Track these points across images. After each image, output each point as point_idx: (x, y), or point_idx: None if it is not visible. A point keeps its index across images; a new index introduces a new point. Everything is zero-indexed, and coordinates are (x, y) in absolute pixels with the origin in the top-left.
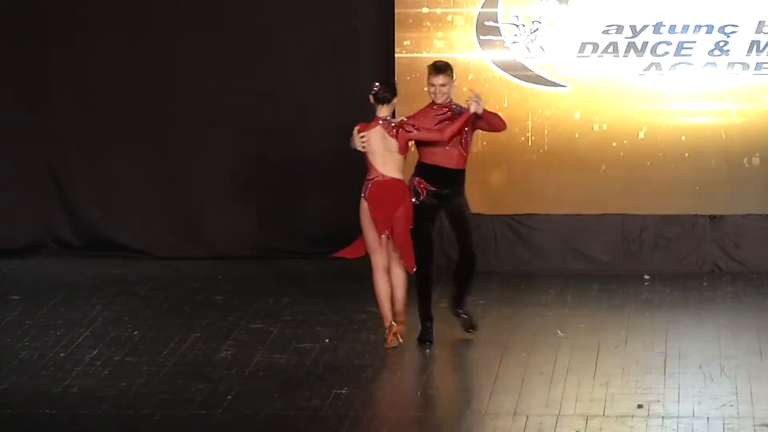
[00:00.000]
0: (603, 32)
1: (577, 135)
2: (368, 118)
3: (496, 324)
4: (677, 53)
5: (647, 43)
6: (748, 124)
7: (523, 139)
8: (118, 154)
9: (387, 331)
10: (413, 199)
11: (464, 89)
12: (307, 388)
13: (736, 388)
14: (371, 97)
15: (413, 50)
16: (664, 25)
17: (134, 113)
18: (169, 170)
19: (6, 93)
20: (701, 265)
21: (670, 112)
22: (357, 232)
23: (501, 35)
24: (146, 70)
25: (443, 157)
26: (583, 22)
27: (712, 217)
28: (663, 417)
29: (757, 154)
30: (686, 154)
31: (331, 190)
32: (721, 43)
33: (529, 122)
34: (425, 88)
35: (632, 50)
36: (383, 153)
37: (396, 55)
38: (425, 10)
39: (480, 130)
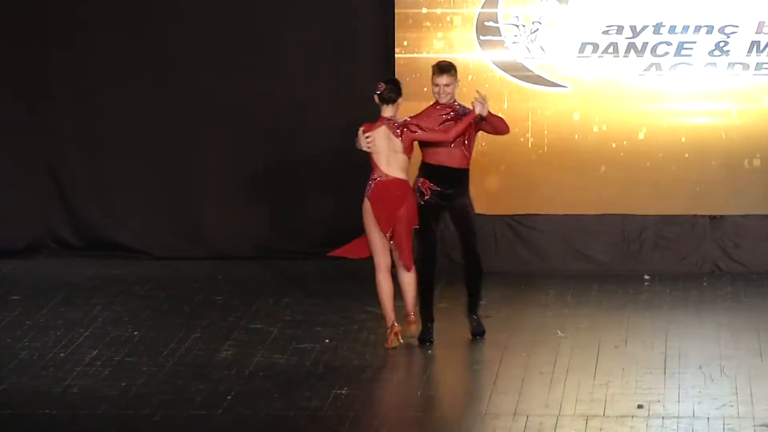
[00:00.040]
0: (603, 32)
1: (576, 136)
2: (368, 119)
3: (496, 324)
4: (677, 53)
5: (647, 43)
6: (748, 125)
7: (522, 139)
8: (118, 154)
9: (389, 330)
10: (419, 200)
11: (464, 89)
12: (307, 388)
13: (736, 389)
14: (376, 97)
15: (413, 50)
16: (664, 26)
17: (134, 113)
18: (169, 170)
19: (6, 93)
20: (701, 266)
21: (670, 112)
22: (357, 232)
23: (501, 35)
24: (146, 70)
25: (447, 157)
26: (583, 22)
27: (712, 218)
28: (663, 417)
29: (757, 155)
30: (686, 155)
31: (331, 190)
32: (721, 44)
33: (529, 123)
34: (424, 89)
35: (632, 50)
36: (388, 153)
37: (396, 55)
38: (425, 10)
39: (482, 131)
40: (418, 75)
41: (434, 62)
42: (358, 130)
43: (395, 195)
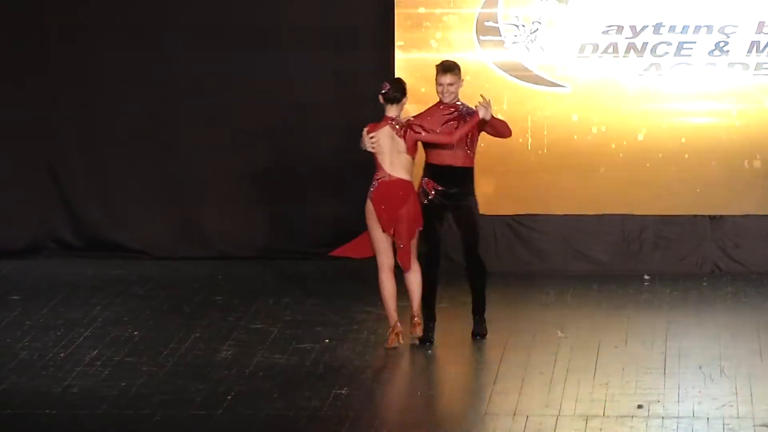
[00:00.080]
0: (603, 32)
1: (576, 136)
2: (368, 118)
3: (496, 324)
4: (677, 54)
5: (647, 43)
6: (748, 125)
7: (522, 139)
8: (118, 154)
9: (390, 330)
10: (423, 200)
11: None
12: (307, 388)
13: (736, 389)
14: (380, 97)
15: (413, 50)
16: (664, 26)
17: (134, 113)
18: (169, 170)
19: (6, 93)
20: (701, 266)
21: (670, 112)
22: (357, 232)
23: (501, 35)
24: (146, 71)
25: (450, 157)
26: (582, 22)
27: (712, 218)
28: (663, 417)
29: (757, 155)
30: (686, 155)
31: (331, 190)
32: (721, 44)
33: (529, 123)
34: (422, 89)
35: (632, 51)
36: (391, 153)
37: (396, 56)
38: (425, 10)
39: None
40: (417, 75)
41: (434, 62)
42: (360, 130)
43: (397, 195)
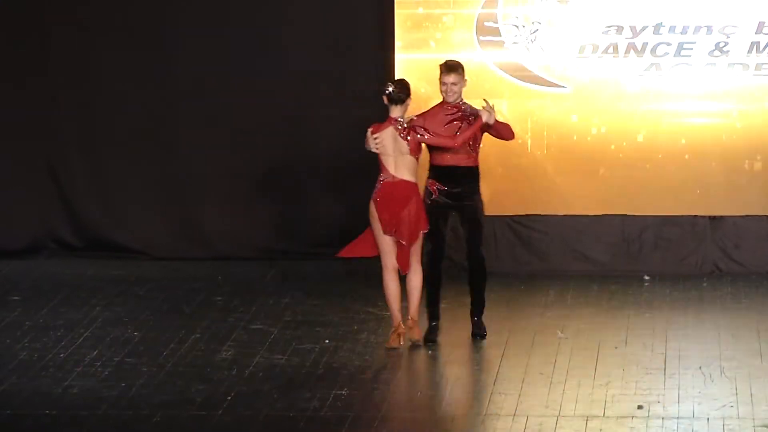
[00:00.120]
0: (603, 33)
1: (575, 136)
2: (368, 118)
3: (496, 324)
4: (677, 54)
5: (647, 43)
6: (748, 126)
7: (522, 140)
8: (118, 154)
9: (393, 330)
10: (426, 200)
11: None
12: (307, 389)
13: (736, 389)
14: (385, 98)
15: (413, 51)
16: (664, 26)
17: (134, 113)
18: (169, 170)
19: (6, 93)
20: (701, 266)
21: (670, 113)
22: (357, 232)
23: (501, 36)
24: (146, 71)
25: (452, 158)
26: (582, 22)
27: (712, 218)
28: (663, 418)
29: (757, 156)
30: (686, 156)
31: (331, 190)
32: (721, 44)
33: (529, 123)
34: (422, 90)
35: (632, 51)
36: (395, 155)
37: (396, 56)
38: (425, 10)
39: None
40: (417, 75)
41: (434, 63)
42: (360, 129)
43: (399, 196)
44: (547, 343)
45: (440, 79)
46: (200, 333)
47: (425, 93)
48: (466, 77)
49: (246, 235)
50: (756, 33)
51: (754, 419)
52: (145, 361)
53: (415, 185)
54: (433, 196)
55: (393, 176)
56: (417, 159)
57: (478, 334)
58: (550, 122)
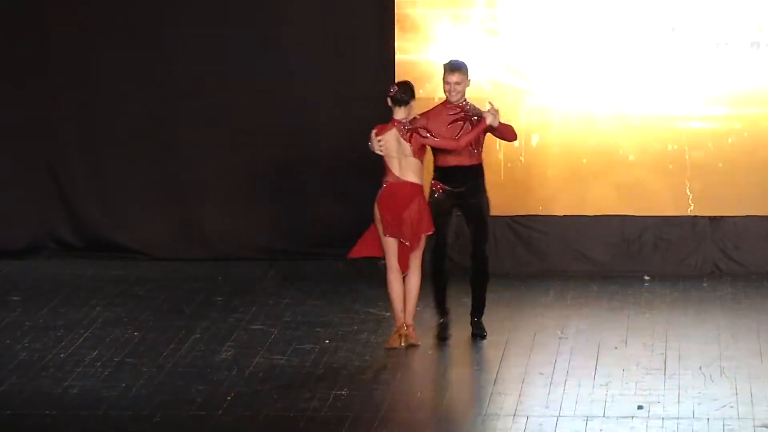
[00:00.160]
0: (604, 33)
1: (576, 137)
2: (369, 119)
3: (496, 324)
4: (678, 54)
5: (647, 44)
6: (748, 126)
7: (522, 140)
8: (118, 154)
9: (395, 330)
10: (429, 199)
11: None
12: (307, 389)
13: (736, 389)
14: (389, 99)
15: (412, 51)
16: (665, 26)
17: (134, 113)
18: (169, 170)
19: (6, 93)
20: (701, 267)
21: (670, 113)
22: (357, 232)
23: (500, 36)
24: (146, 70)
25: (456, 158)
26: (582, 23)
27: (712, 219)
28: (663, 418)
29: (757, 156)
30: (686, 156)
31: (331, 190)
32: (722, 44)
33: (530, 123)
34: (420, 91)
35: (633, 51)
36: (399, 157)
37: (396, 57)
38: (425, 11)
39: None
40: (417, 76)
41: (433, 63)
42: (360, 130)
43: (402, 197)
44: (547, 343)
45: (444, 78)
46: (200, 333)
47: (425, 94)
48: (469, 77)
49: (246, 235)
50: (756, 33)
51: (754, 419)
52: (145, 361)
53: (419, 187)
54: (436, 195)
55: (398, 178)
56: (422, 161)
57: (478, 334)
58: (550, 122)
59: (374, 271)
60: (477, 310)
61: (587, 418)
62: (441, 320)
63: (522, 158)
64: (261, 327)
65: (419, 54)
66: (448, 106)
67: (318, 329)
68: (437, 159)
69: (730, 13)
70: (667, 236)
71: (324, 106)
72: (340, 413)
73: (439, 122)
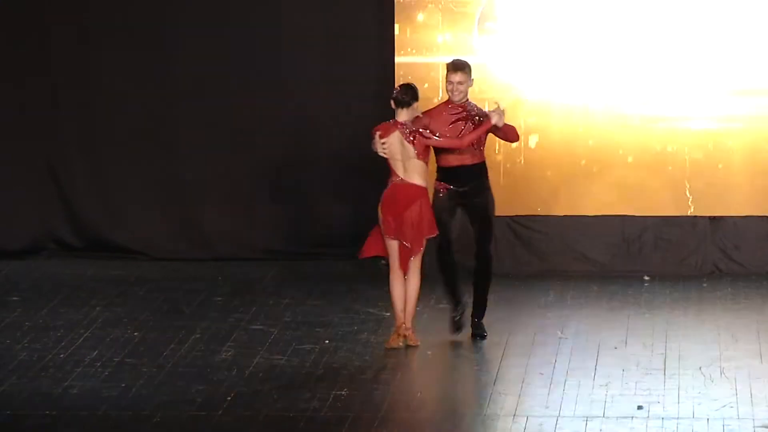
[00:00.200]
0: (603, 34)
1: (576, 137)
2: (369, 119)
3: (496, 325)
4: (678, 54)
5: (647, 44)
6: (748, 126)
7: (522, 140)
8: (118, 154)
9: (395, 330)
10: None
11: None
12: (307, 389)
13: (736, 390)
14: (392, 101)
15: (413, 52)
16: (664, 27)
17: (134, 113)
18: (169, 170)
19: (6, 93)
20: (701, 267)
21: (670, 114)
22: (357, 232)
23: (501, 36)
24: (146, 71)
25: (458, 157)
26: (582, 23)
27: (712, 219)
28: (663, 418)
29: (757, 157)
30: (686, 156)
31: (332, 190)
32: (722, 44)
33: (529, 124)
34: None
35: (633, 51)
36: (404, 159)
37: (396, 57)
38: (424, 11)
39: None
40: (417, 76)
41: (434, 63)
42: (360, 130)
43: (403, 198)
44: (547, 343)
45: (446, 77)
46: (200, 333)
47: (425, 94)
48: (472, 77)
49: (246, 235)
50: (755, 34)
51: (754, 419)
52: (145, 361)
53: (423, 189)
54: (440, 194)
55: (402, 179)
56: (426, 162)
57: (478, 335)
58: (550, 123)
59: (375, 271)
60: (478, 311)
61: (587, 418)
62: (454, 315)
63: (521, 159)
64: (261, 327)
65: (419, 54)
66: (449, 105)
67: (318, 329)
68: (439, 159)
69: (730, 13)
70: (667, 236)
71: (324, 106)
72: (340, 413)
73: (441, 121)
